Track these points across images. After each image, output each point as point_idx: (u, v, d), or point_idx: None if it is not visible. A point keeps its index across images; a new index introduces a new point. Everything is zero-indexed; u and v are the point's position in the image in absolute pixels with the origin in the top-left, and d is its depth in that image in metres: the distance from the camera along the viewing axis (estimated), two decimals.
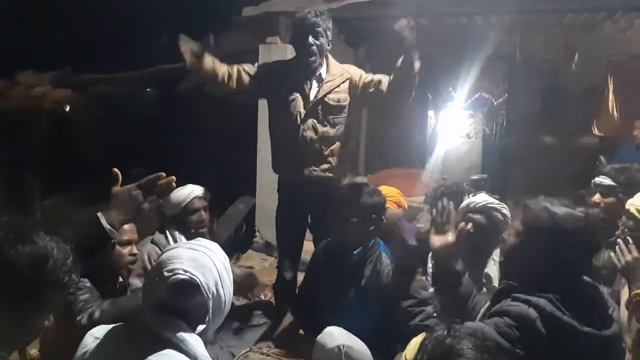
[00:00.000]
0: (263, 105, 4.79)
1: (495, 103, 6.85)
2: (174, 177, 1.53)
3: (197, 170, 5.26)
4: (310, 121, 2.70)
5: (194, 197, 2.75)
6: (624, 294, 1.84)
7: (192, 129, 5.90)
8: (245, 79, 2.76)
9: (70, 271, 1.18)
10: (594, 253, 1.66)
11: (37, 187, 5.17)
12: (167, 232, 2.75)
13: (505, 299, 1.58)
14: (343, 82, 2.75)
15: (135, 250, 2.18)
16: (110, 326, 1.46)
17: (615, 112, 5.68)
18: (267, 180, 3.93)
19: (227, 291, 1.45)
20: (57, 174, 5.32)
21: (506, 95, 6.69)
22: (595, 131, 5.85)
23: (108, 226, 1.43)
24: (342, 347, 2.04)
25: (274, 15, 4.75)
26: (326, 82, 2.73)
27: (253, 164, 4.91)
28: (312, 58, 2.69)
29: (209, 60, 2.66)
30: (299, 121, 2.70)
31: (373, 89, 2.73)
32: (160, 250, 2.40)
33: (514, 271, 1.68)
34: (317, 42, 2.67)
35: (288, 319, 2.58)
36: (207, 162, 5.36)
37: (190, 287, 1.37)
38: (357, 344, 2.10)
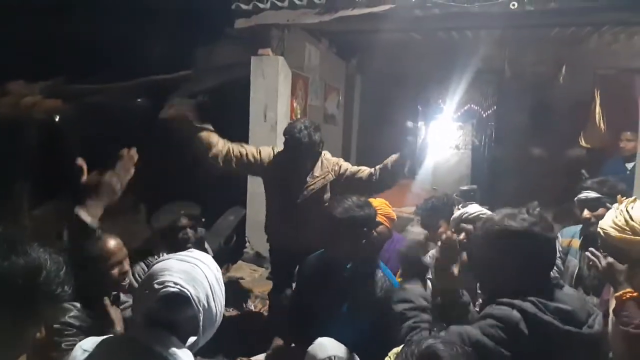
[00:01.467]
0: (255, 114, 4.83)
1: (484, 115, 6.91)
2: (134, 150, 1.55)
3: (187, 181, 5.26)
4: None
5: (181, 215, 2.79)
6: (612, 303, 1.87)
7: (183, 139, 5.90)
8: (251, 161, 3.13)
9: (63, 283, 1.17)
10: (550, 260, 1.69)
11: (26, 197, 5.13)
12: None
13: (490, 305, 1.61)
14: (328, 179, 3.11)
15: (126, 268, 2.14)
16: (100, 338, 1.44)
17: (602, 124, 5.77)
18: (257, 190, 3.94)
19: (219, 304, 1.44)
20: (46, 184, 5.29)
21: (495, 107, 6.76)
22: (583, 143, 5.93)
23: (89, 218, 1.43)
24: (333, 357, 2.04)
25: (266, 27, 4.78)
26: (315, 179, 3.08)
27: (244, 175, 4.91)
28: (301, 168, 3.05)
29: (205, 134, 3.06)
30: (291, 206, 3.07)
31: (356, 179, 3.11)
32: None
33: (485, 281, 1.76)
34: (306, 159, 3.04)
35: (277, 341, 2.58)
36: (197, 172, 5.35)
37: (181, 300, 1.36)
38: (348, 355, 2.10)
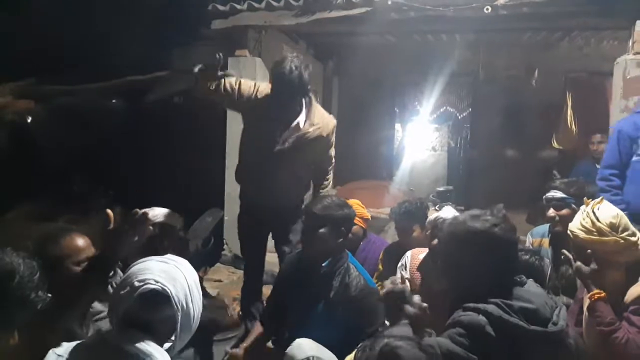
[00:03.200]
0: (231, 116, 4.80)
1: (459, 117, 7.02)
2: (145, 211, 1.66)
3: (163, 183, 5.21)
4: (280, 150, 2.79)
5: (156, 223, 2.52)
6: (586, 302, 1.92)
7: (159, 140, 5.84)
8: (228, 92, 2.85)
9: (37, 287, 1.15)
10: (512, 260, 1.71)
11: None
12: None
13: (457, 310, 1.64)
14: (318, 135, 2.88)
15: None
16: (74, 343, 1.43)
17: (573, 126, 5.90)
18: (235, 191, 3.92)
19: (196, 307, 1.44)
20: (17, 187, 5.17)
21: (470, 109, 6.88)
22: (555, 144, 6.06)
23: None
24: (311, 358, 2.04)
25: (242, 28, 4.77)
26: (303, 133, 2.82)
27: (221, 176, 4.89)
28: (285, 110, 2.77)
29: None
30: (269, 154, 2.79)
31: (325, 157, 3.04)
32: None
33: (451, 282, 1.76)
34: (293, 94, 2.73)
35: (256, 331, 2.56)
36: (174, 174, 5.31)
37: (161, 298, 1.35)
38: (327, 356, 2.11)
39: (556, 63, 5.90)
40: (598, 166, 4.71)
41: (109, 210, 1.68)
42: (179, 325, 1.38)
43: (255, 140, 2.88)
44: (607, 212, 1.99)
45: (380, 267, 3.18)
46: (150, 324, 1.36)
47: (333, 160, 3.13)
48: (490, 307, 1.56)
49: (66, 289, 1.91)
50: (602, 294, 1.88)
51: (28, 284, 1.15)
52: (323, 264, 2.31)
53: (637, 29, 3.93)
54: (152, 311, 1.36)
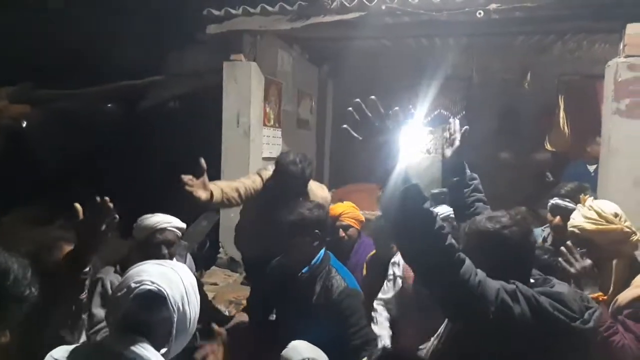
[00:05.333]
0: (227, 120, 4.82)
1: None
2: (105, 199, 1.68)
3: (159, 186, 5.21)
4: None
5: (158, 229, 2.58)
6: None
7: (154, 144, 5.84)
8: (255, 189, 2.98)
9: (30, 284, 1.17)
10: (522, 260, 1.69)
11: None
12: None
13: None
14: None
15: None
16: (72, 347, 1.42)
17: (566, 128, 5.95)
18: None
19: (193, 310, 1.43)
20: (13, 191, 5.16)
21: (464, 112, 6.91)
22: (548, 147, 6.10)
23: None
24: None
25: (238, 33, 4.79)
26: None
27: (217, 179, 4.89)
28: (290, 198, 2.81)
29: (217, 193, 2.74)
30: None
31: None
32: None
33: None
34: (294, 193, 2.85)
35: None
36: (170, 178, 5.31)
37: (157, 299, 1.35)
38: (322, 357, 2.12)
39: (549, 66, 5.94)
40: (590, 167, 4.74)
41: (76, 204, 1.70)
42: (174, 328, 1.37)
43: (256, 220, 2.99)
44: (606, 204, 2.16)
45: (364, 271, 3.20)
46: (148, 327, 1.36)
47: None
48: (522, 286, 1.54)
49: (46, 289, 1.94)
50: (604, 297, 1.91)
51: (22, 280, 1.17)
52: (303, 270, 2.32)
53: (628, 32, 3.97)
54: (149, 312, 1.35)
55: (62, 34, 5.79)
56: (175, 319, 1.37)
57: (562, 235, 2.65)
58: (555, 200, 2.76)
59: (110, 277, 2.57)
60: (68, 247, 1.96)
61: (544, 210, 3.02)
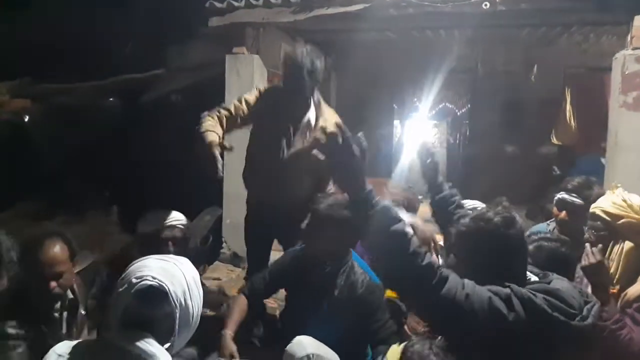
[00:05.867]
0: None
1: (458, 113, 7.03)
2: None
3: (161, 181, 5.19)
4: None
5: (167, 226, 2.53)
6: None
7: (156, 138, 5.82)
8: (245, 111, 2.73)
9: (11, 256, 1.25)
10: (518, 255, 1.64)
11: None
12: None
13: None
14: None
15: (67, 281, 1.99)
16: (75, 342, 1.42)
17: (572, 122, 5.90)
18: (233, 190, 3.90)
19: (196, 305, 1.42)
20: (13, 186, 5.15)
21: (469, 105, 6.88)
22: (554, 140, 6.06)
23: None
24: (311, 356, 2.03)
25: (240, 26, 4.75)
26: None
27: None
28: (300, 98, 2.65)
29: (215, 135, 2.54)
30: (281, 156, 2.69)
31: None
32: None
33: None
34: (306, 83, 2.58)
35: (240, 308, 2.50)
36: (172, 173, 5.29)
37: (158, 294, 1.35)
38: (327, 353, 2.10)
39: (555, 59, 5.89)
40: (604, 162, 4.68)
41: None
42: (177, 323, 1.37)
43: (264, 141, 2.76)
44: (635, 197, 2.30)
45: None
46: (150, 322, 1.35)
47: None
48: (517, 289, 1.50)
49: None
50: (614, 290, 1.89)
51: (9, 252, 1.36)
52: (326, 263, 2.30)
53: (636, 24, 3.92)
54: (150, 308, 1.35)
55: (62, 27, 5.76)
56: (178, 314, 1.37)
57: (566, 229, 2.64)
58: (562, 195, 2.74)
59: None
60: (56, 248, 1.95)
61: (550, 204, 2.99)
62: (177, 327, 1.37)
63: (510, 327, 1.45)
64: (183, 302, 1.37)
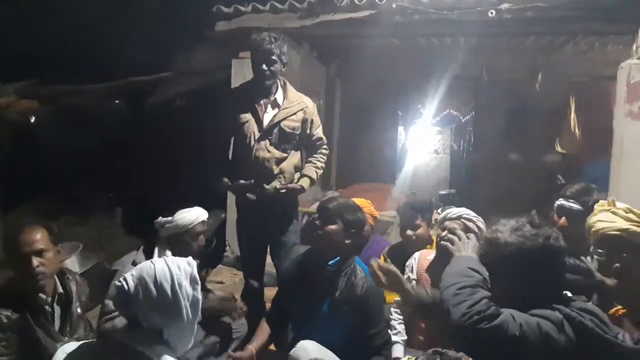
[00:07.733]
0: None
1: (462, 120, 7.02)
2: None
3: (165, 184, 5.21)
4: (263, 143, 2.82)
5: (199, 222, 2.58)
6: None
7: (160, 141, 5.85)
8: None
9: None
10: (557, 269, 1.58)
11: None
12: (156, 252, 2.51)
13: None
14: (299, 111, 2.88)
15: (42, 261, 1.99)
16: (82, 342, 1.47)
17: (577, 130, 5.90)
18: None
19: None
20: (20, 186, 5.18)
21: (473, 112, 6.87)
22: (558, 148, 6.05)
23: None
24: None
25: (246, 30, 4.76)
26: (283, 109, 2.85)
27: (224, 177, 4.88)
28: (266, 82, 2.82)
29: None
30: (252, 142, 2.82)
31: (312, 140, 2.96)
32: None
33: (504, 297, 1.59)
34: (271, 69, 2.79)
35: (264, 331, 2.53)
36: (176, 175, 5.31)
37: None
38: (331, 358, 2.11)
39: (560, 67, 5.89)
40: None
41: None
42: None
43: (240, 130, 2.88)
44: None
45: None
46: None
47: (324, 143, 3.03)
48: (564, 309, 1.45)
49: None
50: (623, 310, 1.86)
51: None
52: (330, 263, 2.31)
53: None
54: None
55: (70, 30, 5.81)
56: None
57: (567, 236, 2.61)
58: (561, 201, 2.72)
59: (127, 269, 2.54)
60: (34, 230, 2.01)
61: (553, 213, 2.99)
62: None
63: (560, 351, 1.41)
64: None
